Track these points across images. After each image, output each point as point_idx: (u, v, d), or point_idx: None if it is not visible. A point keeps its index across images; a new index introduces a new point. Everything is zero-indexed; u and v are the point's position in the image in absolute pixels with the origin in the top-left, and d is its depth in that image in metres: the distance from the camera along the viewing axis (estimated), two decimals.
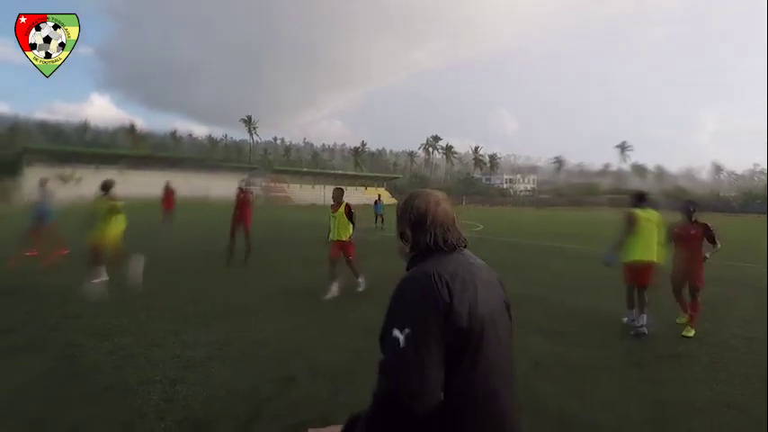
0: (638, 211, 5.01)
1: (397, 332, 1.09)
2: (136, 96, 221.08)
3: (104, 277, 6.31)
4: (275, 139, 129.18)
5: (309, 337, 4.72)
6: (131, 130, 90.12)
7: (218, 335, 4.69)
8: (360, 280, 6.73)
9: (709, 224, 5.15)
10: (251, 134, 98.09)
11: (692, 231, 5.11)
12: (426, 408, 1.06)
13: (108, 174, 48.97)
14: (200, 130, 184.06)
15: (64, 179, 48.78)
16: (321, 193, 63.85)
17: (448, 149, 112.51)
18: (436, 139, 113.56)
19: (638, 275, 4.93)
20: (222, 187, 58.15)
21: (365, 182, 78.60)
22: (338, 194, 6.68)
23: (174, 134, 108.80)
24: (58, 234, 9.05)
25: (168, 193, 16.28)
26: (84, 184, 46.92)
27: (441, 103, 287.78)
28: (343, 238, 6.49)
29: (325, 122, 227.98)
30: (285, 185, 67.36)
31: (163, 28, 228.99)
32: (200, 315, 5.41)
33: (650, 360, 4.22)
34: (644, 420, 3.07)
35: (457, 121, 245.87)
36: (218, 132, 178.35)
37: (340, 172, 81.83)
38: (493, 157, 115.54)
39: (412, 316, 1.11)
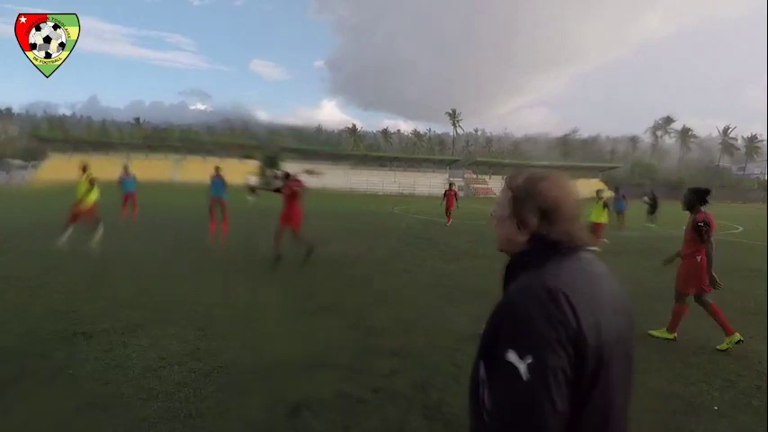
0: None
1: (514, 357, 0.88)
2: (353, 100, 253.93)
3: (66, 236, 8.29)
4: (476, 130, 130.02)
5: None
6: (353, 131, 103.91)
7: (482, 310, 5.04)
8: None
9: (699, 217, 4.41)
10: (455, 127, 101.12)
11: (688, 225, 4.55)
12: None
13: (336, 171, 58.28)
14: (405, 126, 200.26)
15: (310, 173, 59.61)
16: None
17: (684, 132, 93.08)
18: (668, 120, 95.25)
19: None
20: (425, 184, 62.28)
21: (575, 173, 71.98)
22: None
23: (384, 132, 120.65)
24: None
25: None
26: (324, 177, 57.31)
27: (674, 76, 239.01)
28: None
29: (527, 110, 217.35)
30: (486, 177, 67.25)
31: (375, 36, 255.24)
32: (461, 291, 5.94)
33: None
34: None
35: (697, 98, 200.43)
36: (422, 127, 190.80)
37: (545, 162, 77.00)
38: (751, 140, 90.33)
39: (535, 341, 0.88)
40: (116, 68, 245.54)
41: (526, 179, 1.09)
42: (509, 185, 1.11)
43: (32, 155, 63.97)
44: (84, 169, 8.76)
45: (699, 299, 4.56)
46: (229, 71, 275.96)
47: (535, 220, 1.04)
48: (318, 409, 2.91)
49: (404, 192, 58.52)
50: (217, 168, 11.41)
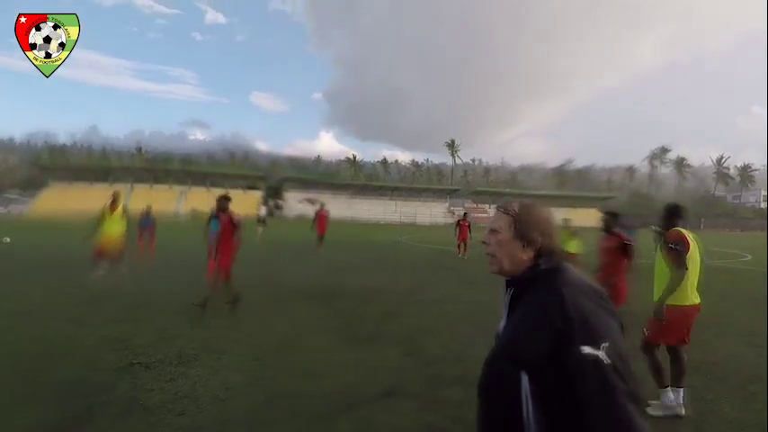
0: None
1: (590, 350, 0.98)
2: (350, 130, 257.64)
3: (103, 271, 7.63)
4: (473, 160, 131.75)
5: None
6: (353, 162, 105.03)
7: None
8: None
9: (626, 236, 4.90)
10: (453, 158, 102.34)
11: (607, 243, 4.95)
12: None
13: (338, 201, 58.53)
14: (403, 156, 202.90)
15: (311, 202, 59.80)
16: None
17: (679, 162, 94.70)
18: (664, 150, 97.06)
19: None
20: (426, 213, 62.62)
21: (571, 203, 72.73)
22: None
23: (383, 162, 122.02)
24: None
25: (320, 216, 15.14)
26: (326, 207, 57.16)
27: (668, 107, 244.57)
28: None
29: (523, 140, 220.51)
30: (486, 207, 67.75)
31: (373, 68, 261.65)
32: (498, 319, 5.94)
33: None
34: None
35: (690, 128, 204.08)
36: (419, 157, 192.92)
37: (544, 192, 77.82)
38: (744, 169, 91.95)
39: (604, 329, 1.02)
40: (117, 100, 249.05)
41: (522, 206, 1.28)
42: (507, 212, 1.27)
43: (33, 184, 64.07)
44: (115, 198, 7.81)
45: None
46: (229, 103, 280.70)
47: (539, 237, 1.21)
48: None
49: (405, 221, 58.76)
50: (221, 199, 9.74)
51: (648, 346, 3.55)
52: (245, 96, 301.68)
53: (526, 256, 1.21)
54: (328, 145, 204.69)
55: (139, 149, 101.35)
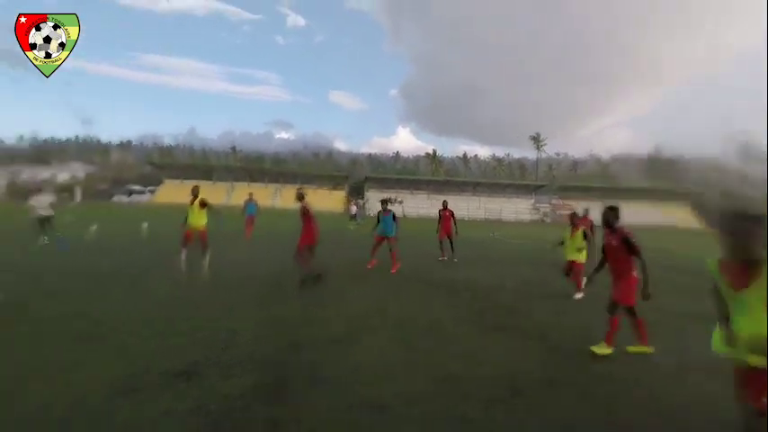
0: None
1: None
2: (426, 126, 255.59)
3: (184, 257, 8.44)
4: (557, 153, 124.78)
5: None
6: (433, 157, 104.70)
7: (657, 329, 4.88)
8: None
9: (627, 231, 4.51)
10: (539, 151, 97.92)
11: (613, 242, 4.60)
12: None
13: (418, 198, 58.94)
14: (482, 151, 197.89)
15: (393, 201, 60.87)
16: None
17: None
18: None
19: None
20: (512, 210, 60.71)
21: (664, 196, 66.26)
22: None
23: (463, 157, 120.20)
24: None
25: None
26: (405, 204, 58.32)
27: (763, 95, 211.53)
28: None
29: (611, 131, 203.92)
30: (574, 203, 63.95)
31: (450, 66, 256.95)
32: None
33: None
34: None
35: None
36: (498, 151, 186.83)
37: (635, 186, 71.65)
38: None
39: None
40: (210, 103, 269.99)
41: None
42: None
43: (148, 180, 72.58)
44: (195, 192, 8.61)
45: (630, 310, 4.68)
46: (311, 102, 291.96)
47: None
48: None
49: (489, 217, 57.50)
50: (383, 202, 10.28)
51: None
52: (325, 95, 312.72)
53: None
54: (405, 141, 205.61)
55: (233, 149, 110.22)
